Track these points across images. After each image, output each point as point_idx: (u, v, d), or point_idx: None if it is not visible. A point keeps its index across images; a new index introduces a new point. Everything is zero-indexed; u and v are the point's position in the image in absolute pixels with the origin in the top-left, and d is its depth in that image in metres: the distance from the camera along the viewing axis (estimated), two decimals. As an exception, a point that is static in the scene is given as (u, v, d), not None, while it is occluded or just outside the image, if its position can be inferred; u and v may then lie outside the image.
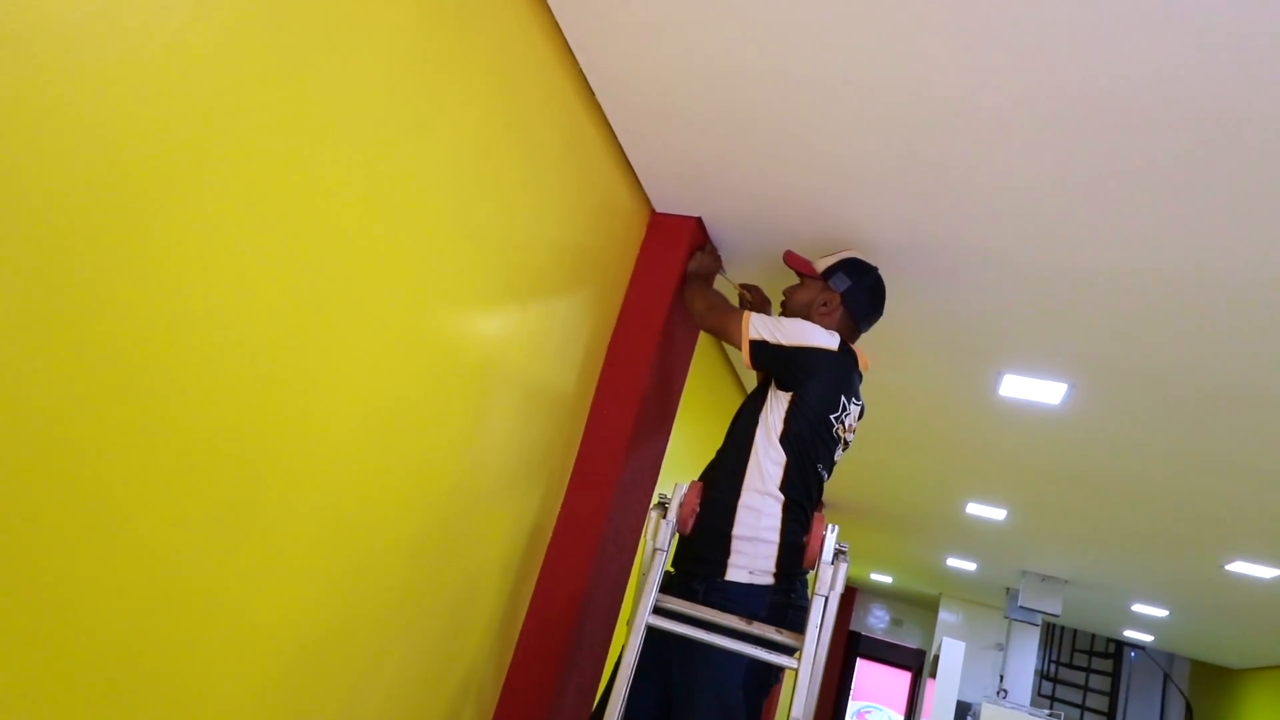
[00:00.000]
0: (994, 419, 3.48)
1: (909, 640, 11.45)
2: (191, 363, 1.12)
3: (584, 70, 1.94)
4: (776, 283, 2.67)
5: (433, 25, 1.46)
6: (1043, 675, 9.92)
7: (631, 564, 2.49)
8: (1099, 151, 1.69)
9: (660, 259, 2.46)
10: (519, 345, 1.95)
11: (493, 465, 1.93)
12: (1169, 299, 2.18)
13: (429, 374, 1.64)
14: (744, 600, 1.83)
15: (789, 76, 1.74)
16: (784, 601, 1.85)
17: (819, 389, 1.97)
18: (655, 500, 1.85)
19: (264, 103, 1.15)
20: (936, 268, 2.37)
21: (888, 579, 9.90)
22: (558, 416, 2.19)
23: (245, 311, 1.19)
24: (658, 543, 1.76)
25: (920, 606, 11.22)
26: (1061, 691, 9.88)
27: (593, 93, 2.02)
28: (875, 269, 2.20)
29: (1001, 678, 8.57)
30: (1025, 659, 8.52)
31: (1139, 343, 2.46)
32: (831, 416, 1.98)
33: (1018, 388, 3.07)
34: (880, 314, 2.22)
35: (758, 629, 1.76)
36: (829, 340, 2.00)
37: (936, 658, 5.64)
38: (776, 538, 1.88)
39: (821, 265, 2.19)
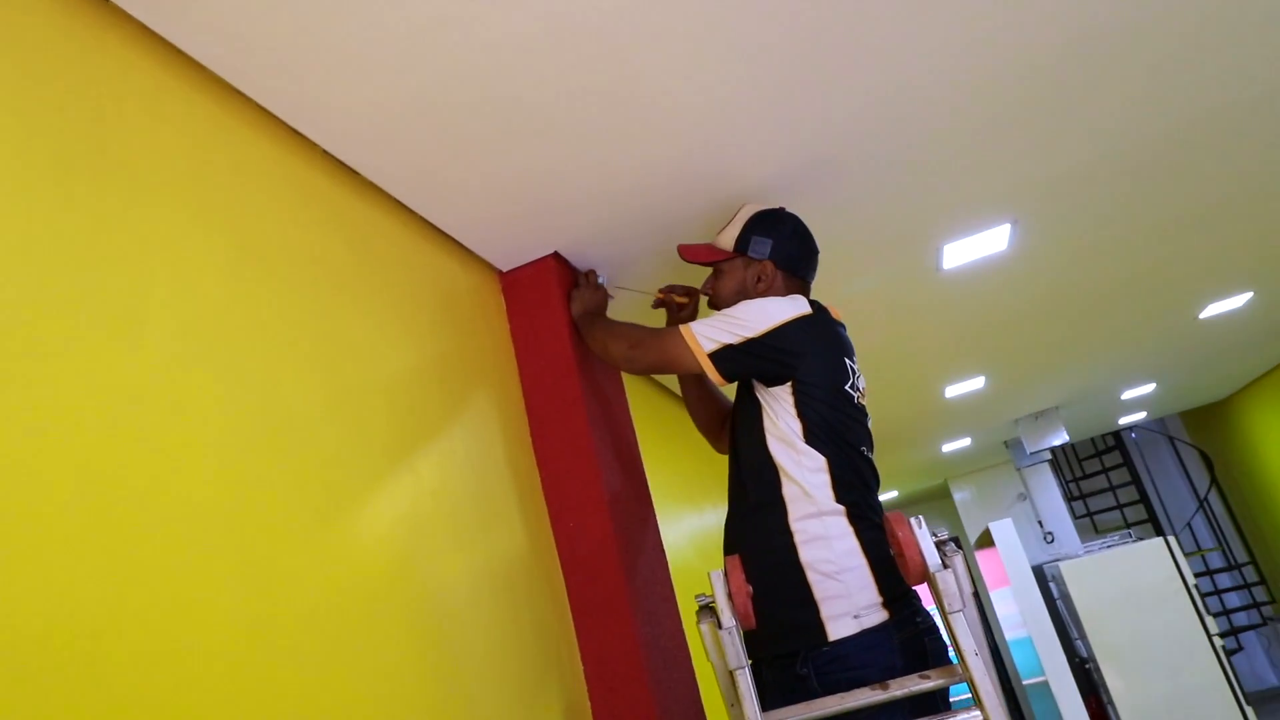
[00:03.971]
0: (947, 295, 3.16)
1: (939, 532, 11.28)
2: None
3: (355, 168, 1.48)
4: (684, 277, 2.23)
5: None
6: (1069, 498, 9.81)
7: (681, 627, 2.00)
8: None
9: (535, 317, 2.00)
10: (429, 504, 1.46)
11: (475, 653, 1.42)
12: (1052, 86, 1.87)
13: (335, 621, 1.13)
14: (870, 656, 1.38)
15: (553, 54, 1.32)
16: (913, 633, 1.42)
17: (819, 363, 1.55)
18: (696, 608, 1.36)
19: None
20: (826, 173, 1.99)
21: (893, 494, 9.66)
22: (515, 540, 1.70)
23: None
24: (732, 663, 1.27)
25: (933, 499, 11.05)
26: (1092, 503, 9.79)
27: (374, 184, 1.57)
28: (781, 209, 1.81)
29: (1040, 523, 8.39)
30: (1050, 495, 8.33)
31: (1058, 142, 2.16)
32: (846, 387, 1.57)
33: (960, 253, 2.74)
34: (817, 252, 1.81)
35: (897, 686, 1.31)
36: (798, 306, 1.59)
37: (987, 531, 5.51)
38: (862, 559, 1.44)
39: (727, 240, 1.78)
